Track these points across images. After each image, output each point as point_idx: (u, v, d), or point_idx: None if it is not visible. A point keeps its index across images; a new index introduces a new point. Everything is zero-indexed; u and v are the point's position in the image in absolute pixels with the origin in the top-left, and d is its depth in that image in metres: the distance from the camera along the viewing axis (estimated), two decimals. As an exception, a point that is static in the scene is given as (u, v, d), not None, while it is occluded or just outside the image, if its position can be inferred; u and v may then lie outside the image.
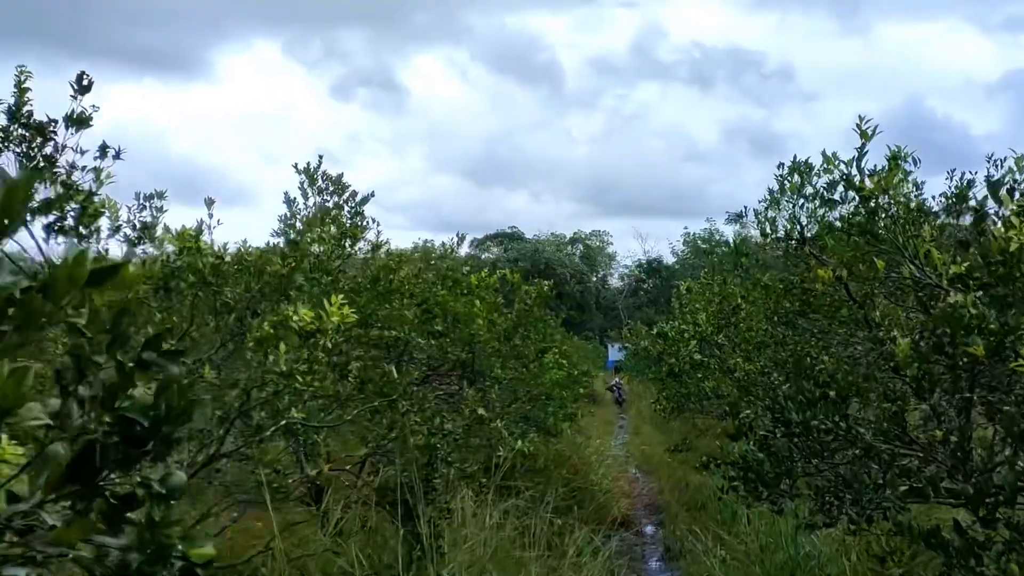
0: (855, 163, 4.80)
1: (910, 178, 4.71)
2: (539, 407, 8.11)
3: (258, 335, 4.26)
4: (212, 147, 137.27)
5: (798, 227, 8.98)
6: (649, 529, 10.33)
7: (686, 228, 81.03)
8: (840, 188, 5.12)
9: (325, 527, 6.25)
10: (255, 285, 5.22)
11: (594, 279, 63.66)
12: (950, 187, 5.23)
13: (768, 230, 8.95)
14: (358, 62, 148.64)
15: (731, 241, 8.70)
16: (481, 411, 7.20)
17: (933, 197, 5.19)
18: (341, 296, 4.35)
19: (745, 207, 8.77)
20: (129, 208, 5.61)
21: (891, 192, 4.70)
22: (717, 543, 7.92)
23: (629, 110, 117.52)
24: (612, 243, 67.61)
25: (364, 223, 8.99)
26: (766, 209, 9.00)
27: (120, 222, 5.56)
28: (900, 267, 4.91)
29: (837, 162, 4.93)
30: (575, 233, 66.44)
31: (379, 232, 8.85)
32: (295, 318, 4.30)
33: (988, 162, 6.05)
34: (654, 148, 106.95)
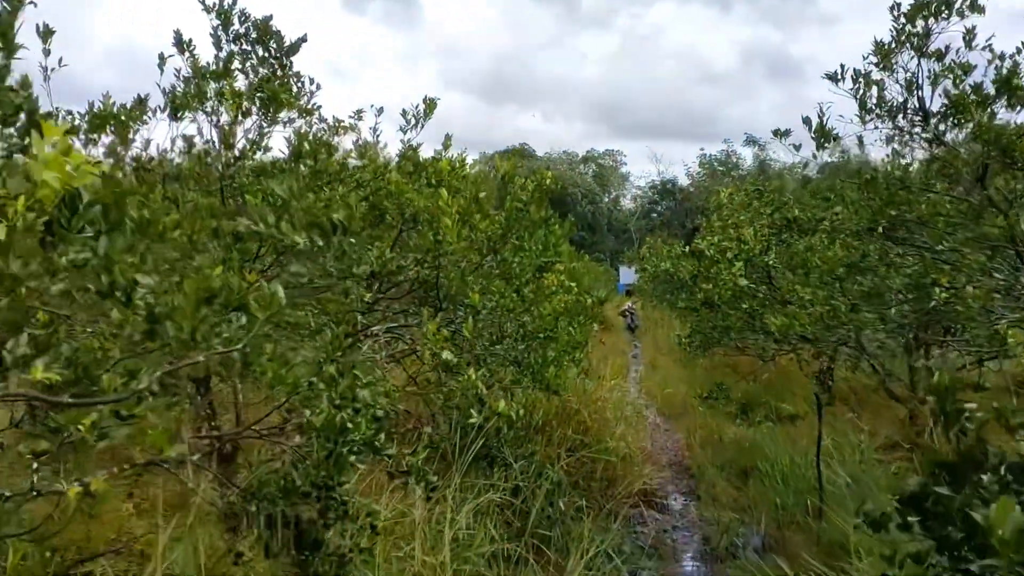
0: None
1: None
2: (536, 349, 5.71)
3: None
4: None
5: (917, 95, 6.41)
6: (677, 502, 7.97)
7: (702, 149, 77.67)
8: None
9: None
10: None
11: (606, 199, 60.81)
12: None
13: (872, 101, 6.38)
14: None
15: (818, 112, 6.09)
16: (447, 355, 4.77)
17: None
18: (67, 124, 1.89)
19: (842, 65, 6.16)
20: None
21: None
22: (784, 541, 5.59)
23: (644, 30, 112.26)
24: (626, 163, 64.51)
25: (298, 84, 6.39)
26: (869, 73, 6.41)
27: None
28: None
29: None
30: (588, 152, 63.38)
31: (313, 92, 6.24)
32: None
33: None
34: (668, 69, 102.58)
